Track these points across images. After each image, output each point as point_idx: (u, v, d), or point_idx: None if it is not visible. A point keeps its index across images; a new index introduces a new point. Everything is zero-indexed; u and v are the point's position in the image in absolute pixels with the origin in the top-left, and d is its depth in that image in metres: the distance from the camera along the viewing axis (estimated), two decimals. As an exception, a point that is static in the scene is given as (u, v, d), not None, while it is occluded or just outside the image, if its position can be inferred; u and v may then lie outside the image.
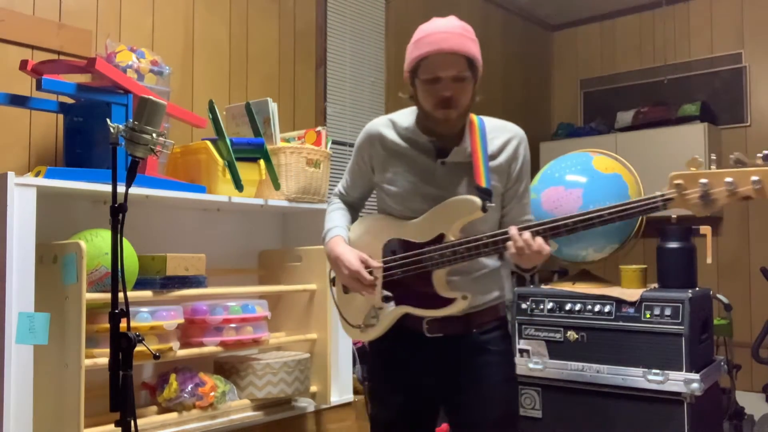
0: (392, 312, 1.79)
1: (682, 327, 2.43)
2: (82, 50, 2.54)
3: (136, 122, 1.56)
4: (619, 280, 2.74)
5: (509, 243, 1.64)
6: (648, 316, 2.50)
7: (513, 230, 1.64)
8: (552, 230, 1.64)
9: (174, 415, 2.20)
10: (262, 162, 2.56)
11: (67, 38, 2.52)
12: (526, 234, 1.63)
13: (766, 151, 1.50)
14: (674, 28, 5.02)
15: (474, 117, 1.85)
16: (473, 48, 1.74)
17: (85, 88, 2.19)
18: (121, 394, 1.49)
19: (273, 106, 2.66)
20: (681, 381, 2.40)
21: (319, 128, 2.78)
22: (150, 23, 2.83)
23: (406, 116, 1.88)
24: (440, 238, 1.73)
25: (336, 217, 1.94)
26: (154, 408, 2.24)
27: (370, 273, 1.75)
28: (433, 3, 4.40)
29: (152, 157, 1.88)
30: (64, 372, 1.93)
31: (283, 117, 3.00)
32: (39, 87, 2.08)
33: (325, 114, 3.63)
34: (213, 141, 2.46)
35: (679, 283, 2.59)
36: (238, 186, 2.44)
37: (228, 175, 2.44)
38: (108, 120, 1.62)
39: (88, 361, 1.93)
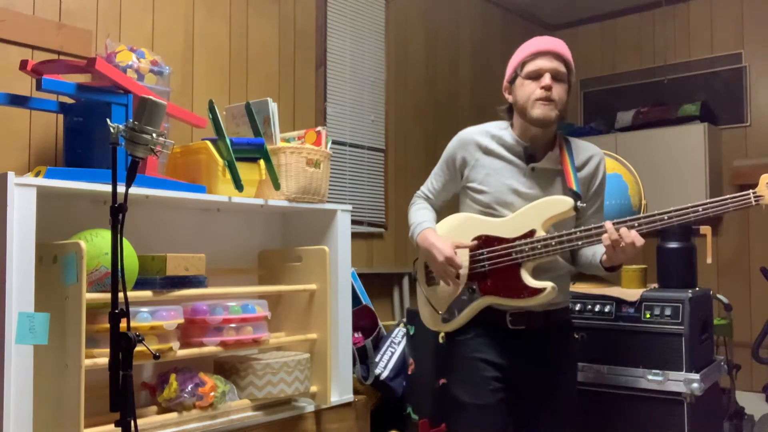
0: (477, 303, 1.94)
1: (682, 327, 2.43)
2: (82, 50, 2.54)
3: (136, 122, 1.56)
4: (619, 280, 2.74)
5: (604, 236, 1.76)
6: (648, 316, 2.50)
7: (608, 223, 1.77)
8: (648, 224, 1.77)
9: (174, 415, 2.20)
10: (262, 162, 2.56)
11: (67, 38, 2.52)
12: (623, 228, 1.75)
13: None
14: (674, 28, 5.02)
15: (558, 133, 2.03)
16: (569, 56, 1.96)
17: (85, 88, 2.19)
18: (121, 394, 1.49)
19: (273, 106, 2.66)
20: (681, 381, 2.40)
21: (319, 128, 2.78)
22: (150, 23, 2.83)
23: (498, 127, 2.04)
24: (531, 233, 1.88)
25: (424, 214, 2.13)
26: (154, 408, 2.24)
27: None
28: (433, 3, 4.41)
29: (152, 157, 1.88)
30: (64, 372, 1.93)
31: (283, 117, 3.00)
32: (39, 87, 2.08)
33: (325, 114, 3.63)
34: (213, 141, 2.46)
35: (679, 283, 2.59)
36: (238, 186, 2.44)
37: (228, 175, 2.44)
38: (108, 120, 1.62)
39: (88, 361, 1.93)
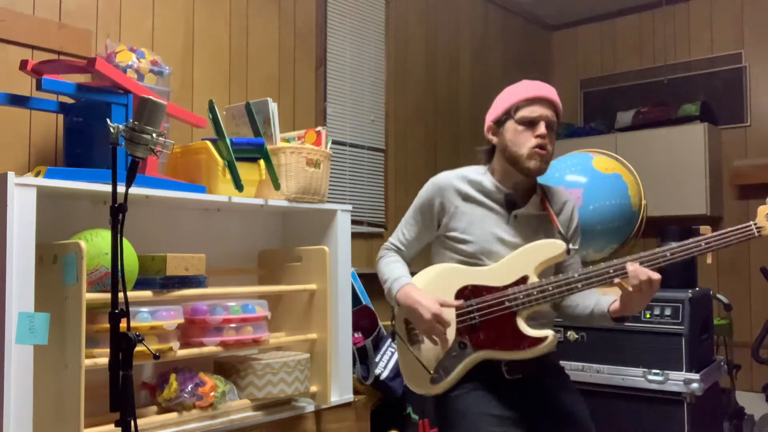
0: (469, 359, 1.80)
1: (682, 327, 2.44)
2: (82, 50, 2.54)
3: (136, 122, 1.56)
4: (619, 280, 2.74)
5: (617, 280, 1.69)
6: (648, 316, 2.50)
7: (632, 264, 1.68)
8: (649, 262, 1.70)
9: (174, 415, 2.20)
10: (262, 162, 2.56)
11: (67, 38, 2.52)
12: (637, 264, 1.68)
13: None
14: (674, 28, 5.02)
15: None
16: (560, 107, 1.92)
17: (85, 88, 2.19)
18: (121, 394, 1.49)
19: (273, 106, 2.66)
20: (681, 381, 2.40)
21: (319, 128, 2.78)
22: (150, 23, 2.83)
23: (476, 172, 1.95)
24: (524, 279, 1.78)
25: (398, 268, 1.96)
26: (154, 408, 2.24)
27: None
28: (433, 3, 4.41)
29: (152, 157, 1.88)
30: (64, 372, 1.93)
31: (283, 117, 3.00)
32: (39, 87, 2.08)
33: (325, 114, 3.63)
34: (213, 141, 2.46)
35: (679, 283, 2.60)
36: (238, 186, 2.44)
37: (228, 175, 2.44)
38: (108, 120, 1.62)
39: (88, 361, 1.93)
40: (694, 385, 2.38)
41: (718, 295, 3.22)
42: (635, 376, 2.49)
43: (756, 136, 4.66)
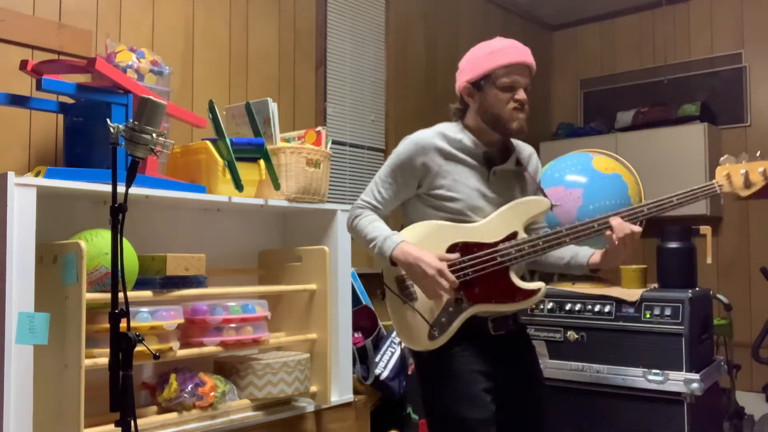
0: (466, 313, 1.86)
1: (682, 327, 2.43)
2: (82, 50, 2.54)
3: (136, 122, 1.56)
4: (619, 280, 2.74)
5: (609, 233, 1.79)
6: (648, 316, 2.50)
7: (616, 219, 1.80)
8: (629, 216, 1.81)
9: (174, 415, 2.20)
10: (262, 162, 2.56)
11: (67, 38, 2.52)
12: (619, 219, 1.80)
13: None
14: (674, 28, 5.02)
15: None
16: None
17: (85, 88, 2.19)
18: (121, 394, 1.49)
19: (273, 106, 2.66)
20: (681, 381, 2.40)
21: (319, 128, 2.78)
22: (150, 23, 2.83)
23: (453, 129, 1.96)
24: (514, 235, 1.86)
25: (383, 226, 1.93)
26: (154, 408, 2.24)
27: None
28: (433, 3, 4.41)
29: (152, 157, 1.88)
30: (64, 372, 1.93)
31: (283, 117, 3.00)
32: (39, 87, 2.08)
33: (325, 114, 3.63)
34: (213, 141, 2.46)
35: (679, 283, 2.59)
36: (238, 186, 2.44)
37: (228, 175, 2.44)
38: (108, 120, 1.62)
39: (88, 361, 1.93)
40: (694, 385, 2.38)
41: (718, 295, 3.23)
42: (635, 376, 2.49)
43: (756, 136, 4.66)
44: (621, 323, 2.55)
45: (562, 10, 5.35)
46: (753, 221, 4.64)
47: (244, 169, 2.48)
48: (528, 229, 1.92)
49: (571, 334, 2.65)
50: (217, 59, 3.09)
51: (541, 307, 2.73)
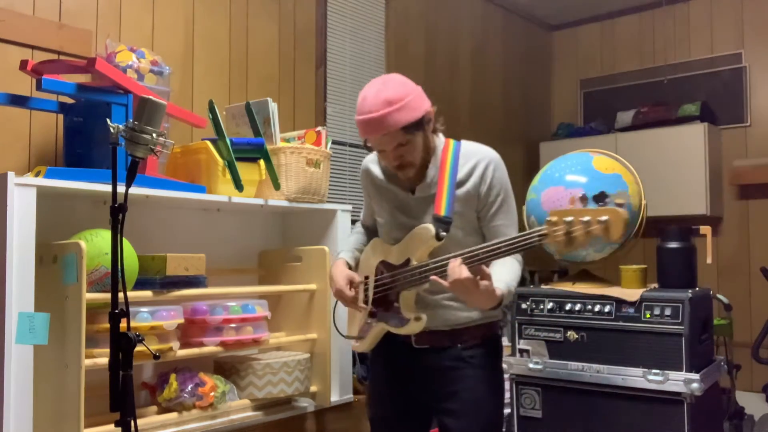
0: (375, 327, 1.95)
1: (682, 327, 2.43)
2: (82, 50, 2.54)
3: (136, 122, 1.56)
4: (619, 280, 2.74)
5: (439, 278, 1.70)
6: (648, 316, 2.50)
7: (453, 262, 1.66)
8: (469, 259, 1.68)
9: (174, 415, 2.20)
10: (262, 162, 2.56)
11: (67, 38, 2.52)
12: (457, 261, 1.66)
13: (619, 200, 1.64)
14: (674, 28, 5.02)
15: (450, 142, 1.92)
16: (399, 118, 1.74)
17: (85, 88, 2.19)
18: (121, 394, 1.49)
19: (273, 106, 2.66)
20: (681, 381, 2.40)
21: (319, 128, 2.78)
22: (150, 23, 2.83)
23: None
24: (407, 262, 1.86)
25: (349, 241, 2.14)
26: (154, 408, 2.24)
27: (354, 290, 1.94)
28: (433, 3, 4.41)
29: (152, 157, 1.88)
30: (64, 372, 1.93)
31: (283, 117, 3.00)
32: (39, 87, 2.08)
33: (325, 114, 3.63)
34: (213, 141, 2.46)
35: (679, 283, 2.59)
36: (238, 186, 2.44)
37: (228, 175, 2.44)
38: (108, 120, 1.62)
39: (88, 361, 1.93)
40: (694, 385, 2.38)
41: (718, 295, 3.22)
42: (635, 376, 2.49)
43: (756, 136, 4.66)
44: (621, 323, 2.54)
45: (562, 10, 5.35)
46: (753, 221, 4.64)
47: (244, 169, 2.48)
48: (435, 252, 1.83)
49: (571, 334, 2.65)
50: (217, 59, 3.09)
51: (541, 307, 2.73)
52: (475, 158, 1.88)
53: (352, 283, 1.93)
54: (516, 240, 1.69)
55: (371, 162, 2.03)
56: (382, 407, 2.04)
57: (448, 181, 1.86)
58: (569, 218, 1.57)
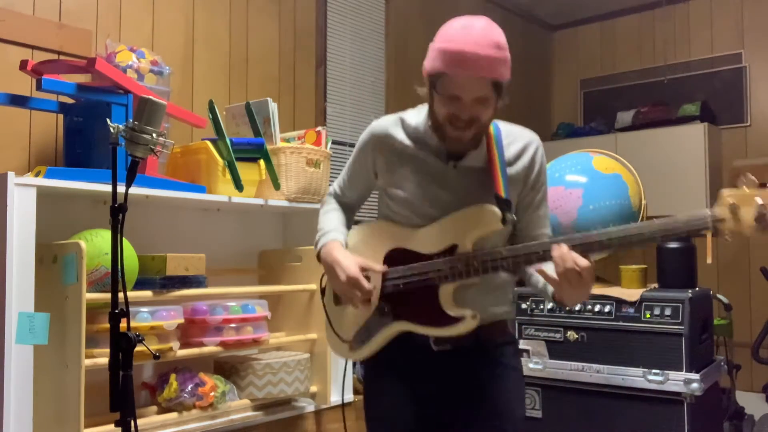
0: (389, 328, 1.62)
1: (682, 327, 2.43)
2: (82, 50, 2.54)
3: (136, 122, 1.56)
4: (619, 280, 2.74)
5: (553, 264, 1.44)
6: (648, 316, 2.50)
7: (561, 246, 1.43)
8: (582, 245, 1.45)
9: (174, 415, 2.20)
10: (262, 162, 2.56)
11: (67, 38, 2.52)
12: (564, 248, 1.41)
13: None
14: (674, 28, 5.02)
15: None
16: (502, 69, 1.49)
17: (85, 88, 2.19)
18: (121, 394, 1.49)
19: (273, 106, 2.66)
20: (681, 381, 2.40)
21: (319, 128, 2.78)
22: (150, 23, 2.83)
23: (416, 114, 1.68)
24: (452, 249, 1.55)
25: (331, 219, 1.76)
26: (154, 408, 2.24)
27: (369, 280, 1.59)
28: (433, 3, 4.41)
29: (152, 157, 1.87)
30: (64, 372, 1.93)
31: (283, 117, 3.00)
32: (39, 87, 2.08)
33: (325, 114, 3.63)
34: (213, 141, 2.46)
35: (679, 283, 2.59)
36: (238, 186, 2.44)
37: (228, 175, 2.44)
38: (108, 120, 1.62)
39: (88, 361, 1.93)
40: (694, 385, 2.38)
41: (718, 295, 3.22)
42: (635, 376, 2.49)
43: (756, 136, 4.66)
44: (621, 323, 2.55)
45: (562, 10, 5.35)
46: (753, 221, 4.63)
47: (244, 169, 2.48)
48: (483, 240, 1.56)
49: (571, 334, 2.65)
50: (217, 59, 3.09)
51: (541, 307, 2.73)
52: (523, 140, 1.65)
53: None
54: (672, 225, 1.42)
55: (392, 125, 1.69)
56: (393, 425, 1.69)
57: (499, 158, 1.59)
58: (761, 200, 1.30)
